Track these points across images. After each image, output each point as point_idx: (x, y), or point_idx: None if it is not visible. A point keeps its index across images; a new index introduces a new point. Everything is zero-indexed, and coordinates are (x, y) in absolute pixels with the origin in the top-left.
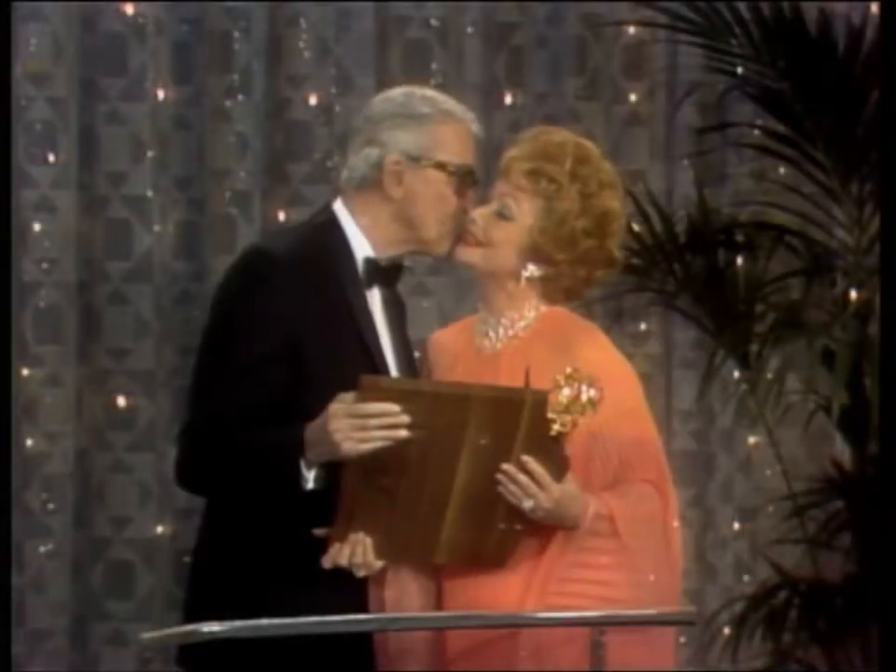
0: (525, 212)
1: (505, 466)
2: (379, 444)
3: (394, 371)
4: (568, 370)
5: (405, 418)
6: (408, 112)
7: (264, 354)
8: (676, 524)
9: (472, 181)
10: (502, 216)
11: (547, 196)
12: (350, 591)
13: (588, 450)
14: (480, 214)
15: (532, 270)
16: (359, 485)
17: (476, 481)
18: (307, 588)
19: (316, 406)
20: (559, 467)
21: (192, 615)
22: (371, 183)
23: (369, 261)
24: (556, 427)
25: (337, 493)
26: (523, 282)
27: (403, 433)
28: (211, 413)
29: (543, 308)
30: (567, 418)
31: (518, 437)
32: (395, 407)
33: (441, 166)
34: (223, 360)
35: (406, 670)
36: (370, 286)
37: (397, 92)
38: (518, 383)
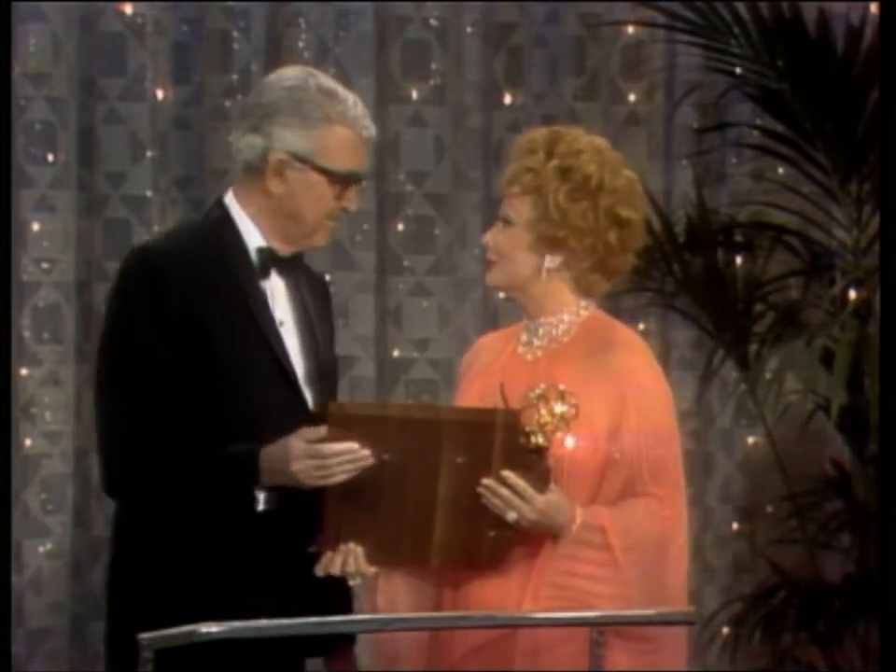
0: (521, 211)
1: (485, 481)
2: (342, 478)
3: (298, 360)
4: (542, 386)
5: (366, 453)
6: (300, 112)
7: (171, 349)
8: (683, 542)
9: (356, 181)
10: (505, 225)
11: (533, 187)
12: (277, 593)
13: (607, 457)
14: (489, 236)
15: (549, 260)
16: (340, 500)
17: (459, 493)
18: (231, 591)
19: (229, 402)
20: (541, 479)
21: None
22: (255, 172)
23: (261, 251)
24: (535, 440)
25: (320, 503)
26: (544, 275)
27: (368, 462)
28: (139, 419)
29: (585, 312)
30: (544, 433)
31: (494, 454)
32: (354, 446)
33: (324, 172)
34: (132, 364)
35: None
36: (266, 275)
37: (293, 78)
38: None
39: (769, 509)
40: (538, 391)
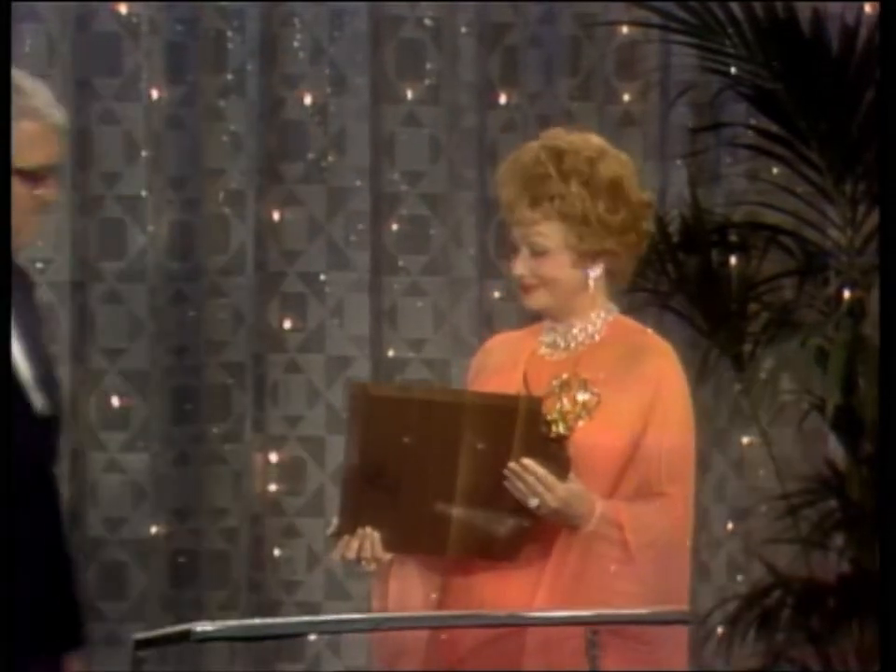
0: (553, 237)
1: (511, 465)
2: None
3: (23, 364)
4: (564, 375)
5: None
6: None
7: None
8: (688, 544)
9: (51, 173)
10: (537, 254)
11: (559, 212)
12: None
13: (629, 454)
14: (520, 265)
15: (596, 272)
16: (360, 484)
17: (479, 480)
18: None
19: None
20: (561, 467)
21: None
22: None
23: None
24: (556, 428)
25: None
26: (592, 287)
27: None
28: None
29: (611, 316)
30: (566, 421)
31: (515, 441)
32: None
33: (15, 171)
34: None
35: (404, 670)
36: None
37: None
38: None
39: (763, 508)
40: (560, 380)
